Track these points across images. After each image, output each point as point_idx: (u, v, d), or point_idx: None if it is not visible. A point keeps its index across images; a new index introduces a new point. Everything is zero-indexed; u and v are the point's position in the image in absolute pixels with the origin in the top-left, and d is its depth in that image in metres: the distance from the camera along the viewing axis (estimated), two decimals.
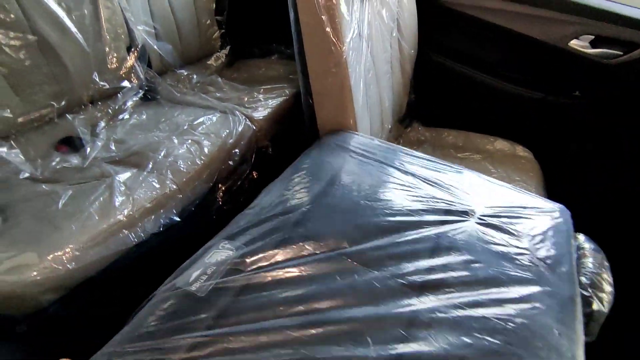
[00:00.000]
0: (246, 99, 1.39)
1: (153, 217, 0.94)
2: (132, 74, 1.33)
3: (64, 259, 0.79)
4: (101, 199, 0.90)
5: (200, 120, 1.21)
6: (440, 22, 1.43)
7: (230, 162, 1.17)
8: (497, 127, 1.41)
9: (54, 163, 1.04)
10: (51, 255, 0.78)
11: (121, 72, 1.30)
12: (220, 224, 0.72)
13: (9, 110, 1.03)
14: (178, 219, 1.01)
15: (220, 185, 1.14)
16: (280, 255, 0.62)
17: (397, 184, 0.81)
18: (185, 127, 1.16)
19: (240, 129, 1.22)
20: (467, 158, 1.32)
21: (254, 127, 1.27)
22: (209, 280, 0.58)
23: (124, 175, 0.97)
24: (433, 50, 1.47)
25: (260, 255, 0.62)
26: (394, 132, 1.41)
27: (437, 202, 0.76)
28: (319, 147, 0.95)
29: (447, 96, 1.55)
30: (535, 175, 1.24)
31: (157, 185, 0.96)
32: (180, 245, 0.78)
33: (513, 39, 1.32)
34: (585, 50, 1.23)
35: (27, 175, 1.00)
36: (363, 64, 1.07)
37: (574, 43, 1.24)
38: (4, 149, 1.02)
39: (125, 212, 0.88)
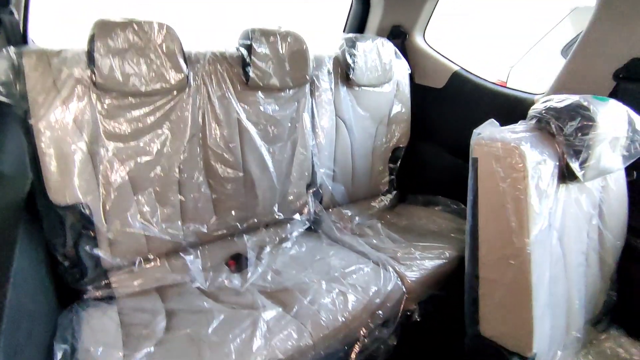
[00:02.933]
0: (401, 253, 1.33)
1: None
2: (305, 209, 1.48)
3: None
4: (243, 335, 0.92)
5: (352, 268, 1.20)
6: None
7: (371, 324, 1.08)
8: None
9: (220, 279, 1.17)
10: None
11: (296, 206, 1.46)
12: None
13: (206, 227, 1.24)
14: None
15: (355, 346, 1.05)
16: None
17: None
18: (337, 274, 1.16)
19: (389, 288, 1.14)
20: None
21: (404, 289, 1.18)
22: None
23: (269, 314, 1.00)
24: None
25: None
26: (585, 336, 1.09)
27: None
28: None
29: None
30: None
31: (295, 336, 0.94)
32: None
33: None
34: None
35: (197, 285, 1.15)
36: (550, 256, 0.90)
37: None
38: (191, 257, 1.21)
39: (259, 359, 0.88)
